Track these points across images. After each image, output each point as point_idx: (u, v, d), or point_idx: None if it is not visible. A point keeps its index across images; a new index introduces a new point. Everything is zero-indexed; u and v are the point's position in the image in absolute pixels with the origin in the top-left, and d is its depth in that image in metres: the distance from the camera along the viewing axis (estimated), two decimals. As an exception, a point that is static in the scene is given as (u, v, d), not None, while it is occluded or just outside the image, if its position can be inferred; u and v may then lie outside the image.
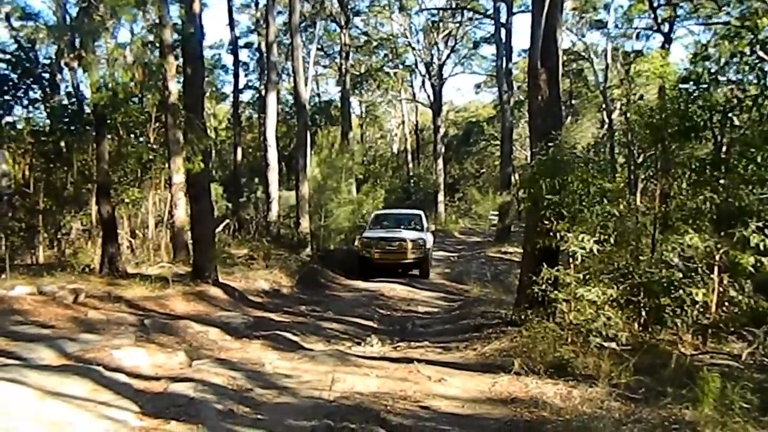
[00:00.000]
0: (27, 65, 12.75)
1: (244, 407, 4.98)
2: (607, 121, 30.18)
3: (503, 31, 24.53)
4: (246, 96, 34.55)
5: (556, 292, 6.80)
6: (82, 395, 4.60)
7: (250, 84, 34.44)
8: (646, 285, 6.73)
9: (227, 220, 19.02)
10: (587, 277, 6.72)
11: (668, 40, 23.24)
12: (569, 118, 31.27)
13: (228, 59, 36.77)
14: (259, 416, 4.82)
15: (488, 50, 35.03)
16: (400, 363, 6.79)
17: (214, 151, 27.00)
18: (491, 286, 12.51)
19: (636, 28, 28.74)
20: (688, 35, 27.18)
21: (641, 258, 7.30)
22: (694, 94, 7.18)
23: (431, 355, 7.36)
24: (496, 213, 27.61)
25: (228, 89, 34.10)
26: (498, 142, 31.65)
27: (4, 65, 12.76)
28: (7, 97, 12.66)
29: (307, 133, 20.06)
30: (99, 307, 8.67)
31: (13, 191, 13.34)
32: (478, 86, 41.85)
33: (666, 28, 23.56)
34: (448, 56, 35.05)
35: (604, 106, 30.16)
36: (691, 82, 7.25)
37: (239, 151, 26.55)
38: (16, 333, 6.65)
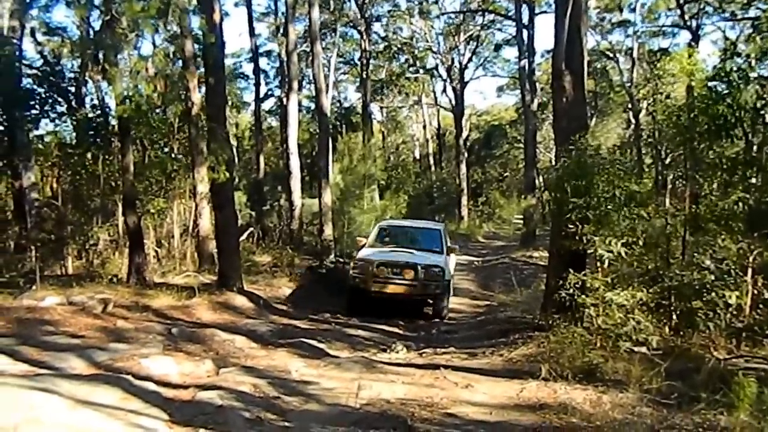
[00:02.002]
0: (53, 79, 13.03)
1: (271, 414, 4.98)
2: (633, 121, 29.80)
3: (525, 33, 24.39)
4: (267, 104, 34.87)
5: (583, 296, 6.70)
6: (112, 404, 4.63)
7: (270, 93, 34.77)
8: (676, 288, 6.61)
9: (251, 229, 19.16)
10: (615, 280, 6.62)
11: (696, 37, 22.84)
12: (594, 118, 30.97)
13: (248, 68, 37.15)
14: (286, 423, 4.81)
15: (510, 52, 35.03)
16: (426, 369, 6.75)
17: (237, 160, 27.25)
18: (517, 291, 12.35)
19: (662, 26, 28.37)
20: (716, 31, 26.69)
21: (671, 261, 7.18)
22: (724, 92, 7.04)
23: (457, 361, 7.30)
24: (521, 217, 27.41)
25: (249, 98, 34.53)
26: (521, 145, 31.48)
27: (31, 80, 13.07)
28: (34, 111, 12.95)
29: (328, 141, 20.13)
30: (127, 316, 8.78)
31: (41, 203, 13.62)
32: (500, 89, 41.88)
33: (693, 24, 23.15)
34: (470, 59, 34.99)
35: (630, 106, 29.79)
36: (720, 80, 7.11)
37: (262, 159, 26.77)
38: (47, 343, 6.74)
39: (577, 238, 6.96)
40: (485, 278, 16.49)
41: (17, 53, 13.38)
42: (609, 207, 6.91)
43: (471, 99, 64.43)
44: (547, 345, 6.92)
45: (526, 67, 24.84)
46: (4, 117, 12.99)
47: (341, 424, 4.75)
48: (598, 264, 6.83)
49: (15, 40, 13.38)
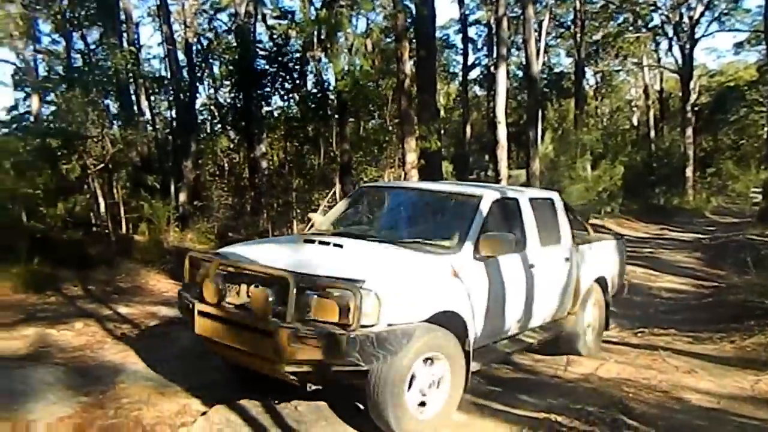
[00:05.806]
0: (280, 59, 14.34)
1: (481, 380, 5.08)
2: None
3: (774, -24, 20.92)
4: (473, 73, 34.72)
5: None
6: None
7: (478, 62, 34.51)
8: None
9: (458, 198, 19.39)
10: None
11: None
12: None
13: (456, 39, 37.26)
14: (497, 389, 4.93)
15: (753, 1, 30.18)
16: (642, 350, 6.36)
17: (443, 131, 27.71)
18: (752, 272, 10.85)
19: None
20: None
21: None
22: None
23: (679, 344, 6.73)
24: (759, 190, 23.99)
25: (456, 69, 34.71)
26: (763, 109, 27.34)
27: (263, 61, 14.56)
28: (266, 89, 14.43)
29: (538, 108, 19.48)
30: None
31: (271, 171, 15.28)
32: (738, 45, 36.25)
33: None
34: (702, 14, 30.95)
35: None
36: None
37: (468, 129, 26.85)
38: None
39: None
40: (713, 257, 14.76)
41: (252, 37, 15.01)
42: None
43: (700, 58, 57.17)
44: (792, 334, 6.06)
45: (774, 16, 21.32)
46: (242, 94, 14.70)
47: (551, 395, 4.71)
48: None
49: (250, 26, 15.05)
